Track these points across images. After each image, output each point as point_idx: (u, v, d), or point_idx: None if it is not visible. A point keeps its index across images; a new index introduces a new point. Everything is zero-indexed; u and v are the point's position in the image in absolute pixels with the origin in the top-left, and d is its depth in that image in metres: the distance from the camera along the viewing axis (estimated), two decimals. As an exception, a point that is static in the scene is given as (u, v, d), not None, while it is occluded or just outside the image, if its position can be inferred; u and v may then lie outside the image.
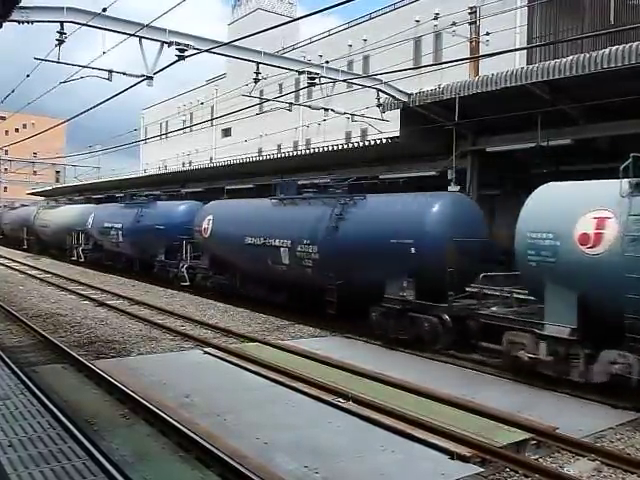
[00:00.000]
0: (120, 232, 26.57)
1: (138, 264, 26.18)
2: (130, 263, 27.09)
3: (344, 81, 16.47)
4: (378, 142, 18.30)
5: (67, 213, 35.61)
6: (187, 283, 21.37)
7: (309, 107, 19.08)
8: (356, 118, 18.42)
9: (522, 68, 13.74)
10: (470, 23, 22.33)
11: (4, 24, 10.38)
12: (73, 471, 4.91)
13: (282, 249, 15.99)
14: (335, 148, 20.49)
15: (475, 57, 20.85)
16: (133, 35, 12.37)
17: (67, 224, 33.49)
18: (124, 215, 26.81)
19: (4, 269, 29.82)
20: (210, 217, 19.86)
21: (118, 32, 12.37)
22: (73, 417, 7.48)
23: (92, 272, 28.30)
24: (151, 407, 8.26)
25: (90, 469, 4.97)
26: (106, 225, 28.09)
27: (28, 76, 15.89)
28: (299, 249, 15.42)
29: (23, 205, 49.68)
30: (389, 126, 17.72)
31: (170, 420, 7.72)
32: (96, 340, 13.36)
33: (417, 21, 31.56)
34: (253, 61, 14.43)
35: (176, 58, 12.94)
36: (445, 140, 16.15)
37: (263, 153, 35.83)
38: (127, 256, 27.33)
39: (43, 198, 59.00)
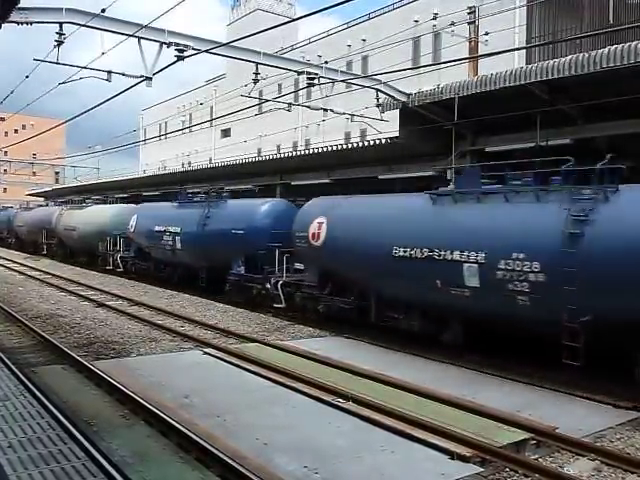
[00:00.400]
0: (177, 238, 21.76)
1: (205, 277, 20.78)
2: (189, 275, 22.02)
3: (343, 81, 16.46)
4: (377, 142, 18.30)
5: (100, 214, 30.64)
6: (282, 305, 16.36)
7: (308, 107, 19.08)
8: (355, 118, 18.40)
9: (521, 68, 13.73)
10: (469, 23, 22.34)
11: (3, 25, 10.38)
12: (73, 472, 4.90)
13: (466, 265, 11.22)
14: (334, 148, 20.48)
15: (474, 57, 20.86)
16: (132, 36, 12.36)
17: (100, 227, 28.74)
18: (183, 217, 22.08)
19: (3, 270, 29.80)
20: (322, 220, 15.01)
21: (117, 33, 12.35)
22: (73, 418, 7.49)
23: (92, 273, 28.30)
24: (151, 408, 8.26)
25: (90, 470, 4.97)
26: (157, 229, 23.02)
27: (27, 77, 15.90)
28: (502, 266, 10.58)
29: (40, 206, 46.36)
30: (388, 126, 17.71)
31: (170, 421, 7.72)
32: (96, 341, 13.36)
33: (416, 21, 31.58)
34: (252, 61, 14.42)
35: (175, 59, 12.94)
36: (444, 140, 16.14)
37: (262, 153, 35.87)
38: (187, 267, 22.21)
39: (43, 199, 59.03)
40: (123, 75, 13.36)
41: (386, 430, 7.85)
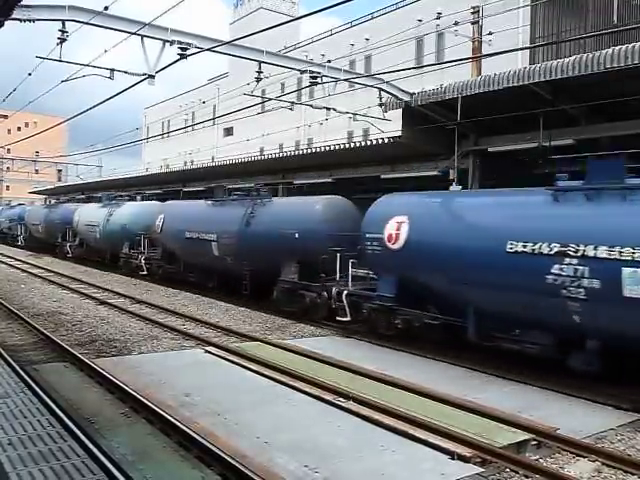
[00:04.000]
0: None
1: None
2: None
3: (346, 80, 16.45)
4: (380, 142, 18.30)
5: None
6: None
7: (311, 106, 19.09)
8: (358, 118, 18.39)
9: (525, 68, 13.71)
10: (472, 23, 22.30)
11: (5, 22, 10.37)
12: (73, 470, 4.90)
13: None
14: (337, 148, 20.47)
15: (477, 57, 20.83)
16: (135, 34, 12.35)
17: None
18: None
19: (6, 267, 29.84)
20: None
21: (120, 30, 12.35)
22: (73, 416, 7.50)
23: (94, 271, 28.33)
24: (151, 406, 8.25)
25: (90, 468, 4.96)
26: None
27: (30, 75, 15.92)
28: None
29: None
30: (391, 126, 17.70)
31: (170, 419, 7.72)
32: (97, 339, 13.37)
33: (419, 20, 31.57)
34: (255, 60, 14.41)
35: (178, 57, 12.93)
36: (447, 140, 16.14)
37: (265, 152, 35.87)
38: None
39: (45, 197, 59.14)
40: (126, 73, 13.36)
41: (387, 430, 7.84)
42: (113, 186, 41.59)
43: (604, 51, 11.81)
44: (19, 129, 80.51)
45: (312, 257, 15.42)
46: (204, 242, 19.65)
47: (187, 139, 53.77)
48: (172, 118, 55.17)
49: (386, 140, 17.92)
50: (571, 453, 7.36)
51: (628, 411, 8.89)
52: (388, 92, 16.34)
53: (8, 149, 48.27)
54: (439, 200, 12.96)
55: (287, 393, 9.55)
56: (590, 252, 9.27)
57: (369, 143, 19.71)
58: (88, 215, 31.16)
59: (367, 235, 13.59)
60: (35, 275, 26.16)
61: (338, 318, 14.55)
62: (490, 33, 23.54)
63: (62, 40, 11.98)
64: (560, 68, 12.45)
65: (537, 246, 9.95)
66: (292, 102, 18.81)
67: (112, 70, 13.45)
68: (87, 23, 11.84)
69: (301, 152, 26.67)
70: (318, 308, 15.49)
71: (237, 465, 6.34)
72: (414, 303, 12.66)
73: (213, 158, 46.38)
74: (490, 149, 15.91)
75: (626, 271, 8.86)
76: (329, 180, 22.08)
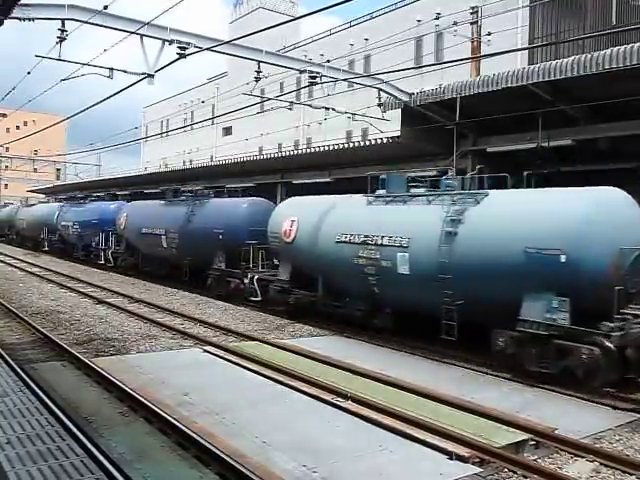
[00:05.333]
0: None
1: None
2: None
3: (345, 80, 16.45)
4: (379, 141, 18.29)
5: None
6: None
7: (310, 106, 19.09)
8: (357, 117, 18.40)
9: (523, 68, 13.72)
10: (472, 23, 22.30)
11: (5, 21, 10.36)
12: (71, 469, 4.89)
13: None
14: (336, 147, 20.47)
15: (476, 57, 20.83)
16: (134, 33, 12.34)
17: None
18: None
19: (4, 266, 29.81)
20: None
21: (119, 30, 12.35)
22: (72, 415, 7.49)
23: (93, 270, 28.28)
24: (150, 405, 8.25)
25: (88, 467, 4.95)
26: None
27: (29, 73, 15.92)
28: None
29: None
30: (390, 126, 17.71)
31: (169, 418, 7.71)
32: (95, 338, 13.36)
33: (418, 21, 31.59)
34: (254, 60, 14.40)
35: (177, 56, 12.93)
36: (446, 140, 16.14)
37: (264, 152, 35.87)
38: None
39: (44, 195, 59.07)
40: (125, 72, 13.35)
41: (385, 429, 7.84)
42: (113, 185, 41.55)
43: (603, 52, 11.82)
44: (18, 128, 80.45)
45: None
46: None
47: (186, 138, 53.72)
48: (171, 117, 55.18)
49: (385, 140, 17.92)
50: (569, 453, 7.37)
51: (626, 411, 8.90)
52: (387, 92, 16.34)
53: (7, 147, 48.19)
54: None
55: (285, 393, 9.55)
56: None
57: (368, 143, 19.71)
58: (343, 221, 14.40)
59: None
60: (33, 274, 26.14)
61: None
62: (489, 33, 23.52)
63: (61, 39, 11.97)
64: (559, 69, 12.46)
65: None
66: (291, 102, 18.82)
67: (111, 69, 13.44)
68: (86, 22, 11.83)
69: (300, 152, 26.66)
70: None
71: (235, 465, 6.33)
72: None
73: (212, 157, 46.40)
74: (489, 149, 15.91)
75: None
76: (328, 180, 22.08)
